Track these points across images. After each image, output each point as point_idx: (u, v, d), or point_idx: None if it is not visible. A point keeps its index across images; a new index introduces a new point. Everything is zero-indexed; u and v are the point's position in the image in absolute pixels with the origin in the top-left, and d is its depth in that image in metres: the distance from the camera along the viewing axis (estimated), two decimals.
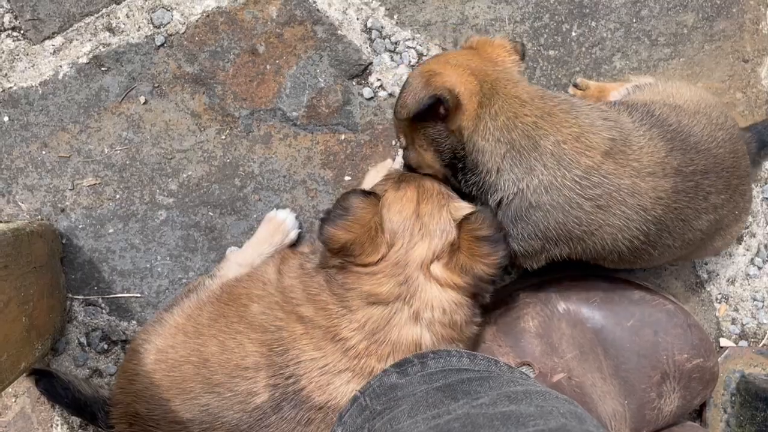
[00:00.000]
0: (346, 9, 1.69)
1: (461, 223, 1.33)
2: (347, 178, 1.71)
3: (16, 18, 1.64)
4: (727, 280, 1.76)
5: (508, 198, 1.32)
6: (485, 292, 1.36)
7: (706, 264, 1.76)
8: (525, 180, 1.29)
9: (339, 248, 1.30)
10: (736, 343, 1.76)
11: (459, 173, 1.36)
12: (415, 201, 1.36)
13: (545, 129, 1.29)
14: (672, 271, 1.76)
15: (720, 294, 1.77)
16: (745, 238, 1.76)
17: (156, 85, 1.67)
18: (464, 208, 1.37)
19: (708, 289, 1.77)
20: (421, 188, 1.39)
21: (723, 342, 1.76)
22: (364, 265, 1.30)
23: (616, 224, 1.33)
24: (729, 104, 1.74)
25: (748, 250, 1.76)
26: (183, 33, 1.67)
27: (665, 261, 1.53)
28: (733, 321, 1.77)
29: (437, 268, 1.32)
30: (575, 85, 1.69)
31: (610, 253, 1.38)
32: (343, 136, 1.71)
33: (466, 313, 1.35)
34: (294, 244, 1.67)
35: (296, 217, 1.68)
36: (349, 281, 1.31)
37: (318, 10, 1.68)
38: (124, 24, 1.66)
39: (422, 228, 1.33)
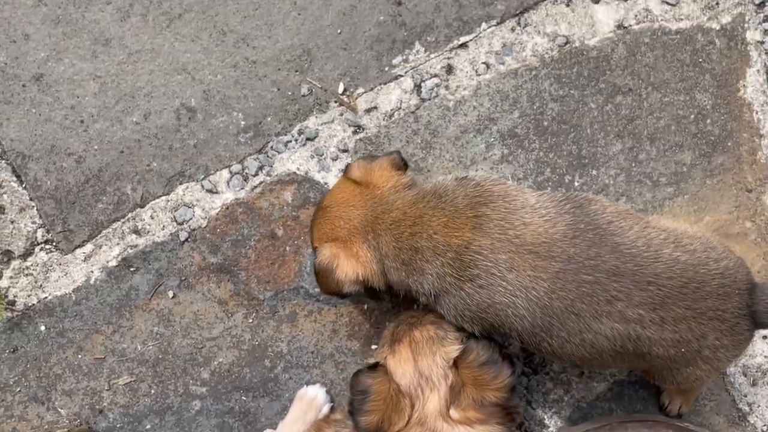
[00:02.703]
0: None
1: (457, 361, 1.41)
2: (374, 346, 1.73)
3: (48, 231, 1.74)
4: None
5: (431, 296, 1.45)
6: (513, 411, 1.40)
7: (746, 396, 1.74)
8: (425, 281, 1.43)
9: (375, 430, 1.35)
10: None
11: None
12: (411, 359, 1.45)
13: (419, 232, 1.42)
14: (712, 407, 1.73)
15: (764, 425, 1.73)
16: None
17: (183, 278, 1.74)
18: (454, 347, 1.46)
19: (752, 421, 1.73)
20: (412, 343, 1.47)
21: None
22: None
23: (503, 301, 1.37)
24: (740, 234, 1.77)
25: None
26: (205, 227, 1.75)
27: (583, 363, 1.51)
28: None
29: (455, 413, 1.38)
30: None
31: (517, 335, 1.41)
32: (366, 306, 1.75)
33: None
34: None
35: (327, 392, 1.70)
36: None
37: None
38: (149, 225, 1.75)
39: (428, 382, 1.41)
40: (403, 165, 1.55)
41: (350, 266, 1.49)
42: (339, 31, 1.80)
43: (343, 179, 1.58)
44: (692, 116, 1.79)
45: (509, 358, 1.41)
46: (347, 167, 1.58)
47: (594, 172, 1.78)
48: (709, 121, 1.79)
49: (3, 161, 1.74)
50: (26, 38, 1.76)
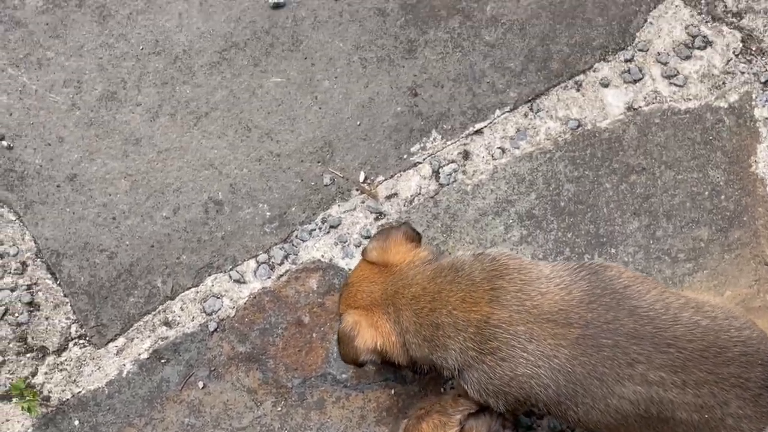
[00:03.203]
0: None
1: None
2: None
3: (81, 326, 1.78)
4: None
5: (455, 370, 1.48)
6: None
7: None
8: (449, 357, 1.45)
9: None
10: None
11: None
12: None
13: (438, 308, 1.45)
14: None
15: None
16: None
17: (212, 368, 1.77)
18: (454, 430, 1.51)
19: None
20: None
21: None
22: None
23: (526, 372, 1.38)
24: (762, 308, 1.78)
25: None
26: (233, 316, 1.79)
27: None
28: None
29: None
30: None
31: (543, 405, 1.42)
32: (393, 391, 1.77)
33: None
34: None
35: None
36: None
37: None
38: (179, 317, 1.79)
39: None
40: (416, 236, 1.61)
41: (369, 335, 1.53)
42: (358, 122, 1.88)
43: (362, 261, 1.63)
44: (706, 192, 1.83)
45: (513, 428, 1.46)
46: (364, 250, 1.63)
47: (613, 251, 1.81)
48: (723, 197, 1.83)
49: (38, 260, 1.80)
50: (60, 141, 1.84)
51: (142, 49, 1.89)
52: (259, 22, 1.91)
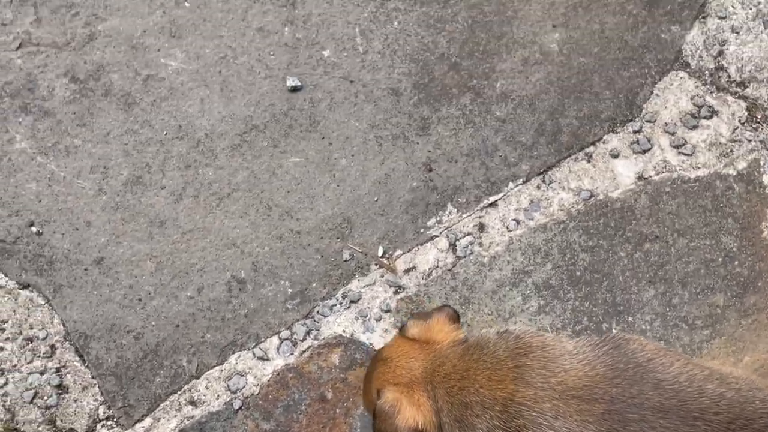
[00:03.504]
0: None
1: None
2: None
3: (109, 408, 1.81)
4: None
5: None
6: None
7: None
8: None
9: None
10: None
11: None
12: None
13: (467, 387, 1.46)
14: None
15: None
16: None
17: None
18: None
19: None
20: None
21: None
22: None
23: None
24: None
25: None
26: (257, 394, 1.82)
27: None
28: None
29: None
30: None
31: None
32: None
33: None
34: None
35: None
36: None
37: (376, 350, 1.84)
38: (204, 395, 1.82)
39: None
40: (457, 318, 1.62)
41: (411, 413, 1.52)
42: (375, 198, 1.93)
43: (399, 337, 1.65)
44: (720, 259, 1.86)
45: None
46: (402, 327, 1.65)
47: (630, 319, 1.83)
48: (737, 262, 1.86)
49: (67, 342, 1.84)
50: (88, 225, 1.90)
51: (166, 134, 1.96)
52: (278, 105, 1.98)
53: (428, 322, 1.61)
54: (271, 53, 2.01)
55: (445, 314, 1.61)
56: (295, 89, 1.99)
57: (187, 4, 2.04)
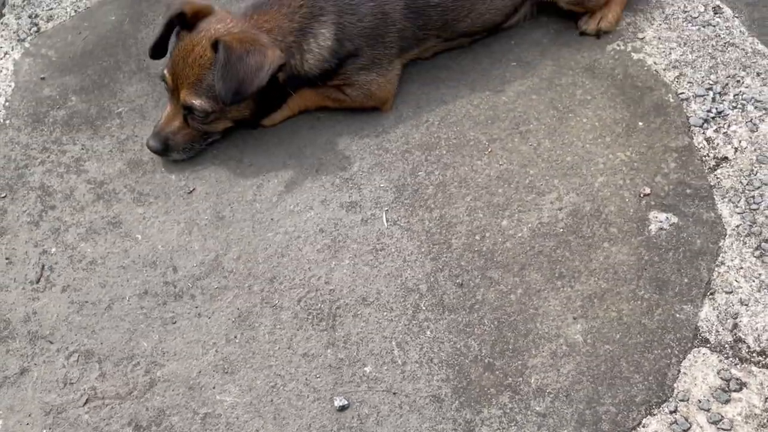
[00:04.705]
0: None
1: None
2: None
3: None
4: None
5: None
6: None
7: None
8: None
9: None
10: None
11: None
12: None
13: None
14: None
15: None
16: None
17: None
18: None
19: None
20: None
21: None
22: None
23: None
24: None
25: None
26: None
27: None
28: None
29: None
30: None
31: None
32: None
33: None
34: None
35: None
36: None
37: None
38: None
39: None
40: None
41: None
42: None
43: None
44: None
45: None
46: None
47: None
48: None
49: None
50: None
51: None
52: (329, 426, 2.08)
53: None
54: (317, 376, 2.15)
55: None
56: (342, 408, 2.10)
57: (237, 340, 2.22)
